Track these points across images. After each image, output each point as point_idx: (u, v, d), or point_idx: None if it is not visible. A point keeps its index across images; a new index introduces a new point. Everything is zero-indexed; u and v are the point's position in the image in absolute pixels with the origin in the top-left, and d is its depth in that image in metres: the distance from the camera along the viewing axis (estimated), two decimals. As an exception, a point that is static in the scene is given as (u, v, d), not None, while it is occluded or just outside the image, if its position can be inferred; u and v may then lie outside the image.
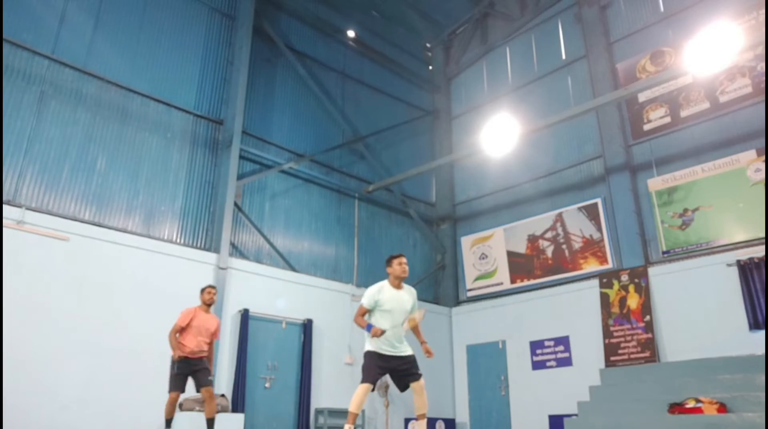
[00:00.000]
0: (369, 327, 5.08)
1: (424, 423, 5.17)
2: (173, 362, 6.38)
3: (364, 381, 5.01)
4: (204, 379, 6.40)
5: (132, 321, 7.96)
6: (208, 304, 6.74)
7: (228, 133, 9.93)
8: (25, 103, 7.92)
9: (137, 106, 9.16)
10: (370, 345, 5.14)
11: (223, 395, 8.31)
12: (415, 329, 5.37)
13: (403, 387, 5.22)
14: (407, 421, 10.77)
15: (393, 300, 5.18)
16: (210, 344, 6.67)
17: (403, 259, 5.33)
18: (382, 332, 4.98)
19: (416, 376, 5.13)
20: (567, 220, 11.31)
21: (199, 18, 10.38)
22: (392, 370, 5.15)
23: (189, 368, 6.38)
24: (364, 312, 5.23)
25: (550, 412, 10.08)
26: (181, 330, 6.45)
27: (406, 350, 5.18)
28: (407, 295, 5.31)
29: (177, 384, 6.33)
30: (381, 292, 5.19)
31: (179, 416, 7.84)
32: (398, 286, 5.26)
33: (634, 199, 10.28)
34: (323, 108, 11.92)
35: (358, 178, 12.17)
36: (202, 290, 6.79)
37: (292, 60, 11.48)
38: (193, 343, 6.41)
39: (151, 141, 9.20)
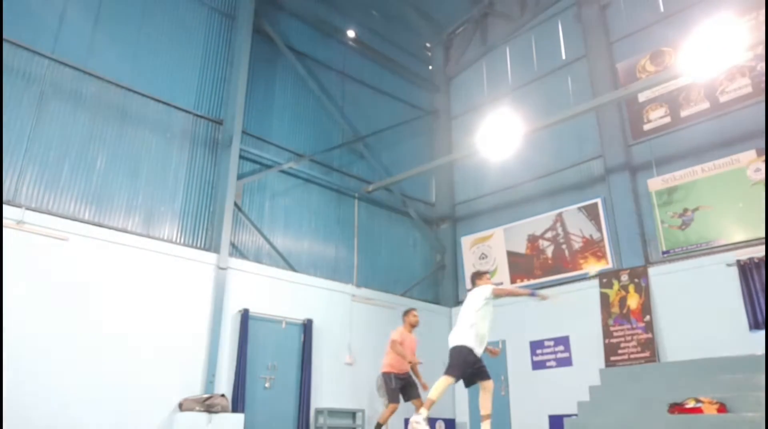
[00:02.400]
0: (534, 293, 6.01)
1: (488, 424, 5.74)
2: (389, 377, 7.39)
3: (452, 375, 5.63)
4: (414, 393, 7.45)
5: (132, 321, 7.96)
6: (414, 326, 7.73)
7: (228, 133, 9.93)
8: (25, 103, 7.92)
9: (137, 106, 9.15)
10: (474, 343, 5.74)
11: (222, 395, 8.31)
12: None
13: (470, 383, 5.96)
14: (407, 420, 10.75)
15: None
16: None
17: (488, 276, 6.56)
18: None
19: (487, 375, 5.86)
20: (567, 220, 11.31)
21: (199, 18, 10.38)
22: (471, 368, 5.82)
23: (400, 382, 7.41)
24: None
25: (550, 412, 10.08)
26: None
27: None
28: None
29: (396, 396, 7.39)
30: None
31: (179, 416, 7.88)
32: None
33: (634, 199, 10.28)
34: (323, 108, 11.92)
35: (357, 178, 12.16)
36: (407, 312, 7.80)
37: (292, 60, 11.48)
38: (403, 365, 7.40)
39: (151, 141, 9.20)
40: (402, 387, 7.43)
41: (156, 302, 8.26)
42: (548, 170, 11.91)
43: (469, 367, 5.73)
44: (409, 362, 7.39)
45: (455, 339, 5.91)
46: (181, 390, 8.14)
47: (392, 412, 7.34)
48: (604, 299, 10.18)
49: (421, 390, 7.56)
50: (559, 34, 12.62)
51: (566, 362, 10.46)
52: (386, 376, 7.44)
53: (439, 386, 5.59)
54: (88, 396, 7.30)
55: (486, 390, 5.91)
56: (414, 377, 7.62)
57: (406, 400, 7.47)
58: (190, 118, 9.79)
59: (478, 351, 5.82)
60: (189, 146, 9.67)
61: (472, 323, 5.86)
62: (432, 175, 13.83)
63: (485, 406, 5.86)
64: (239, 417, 8.28)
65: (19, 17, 8.06)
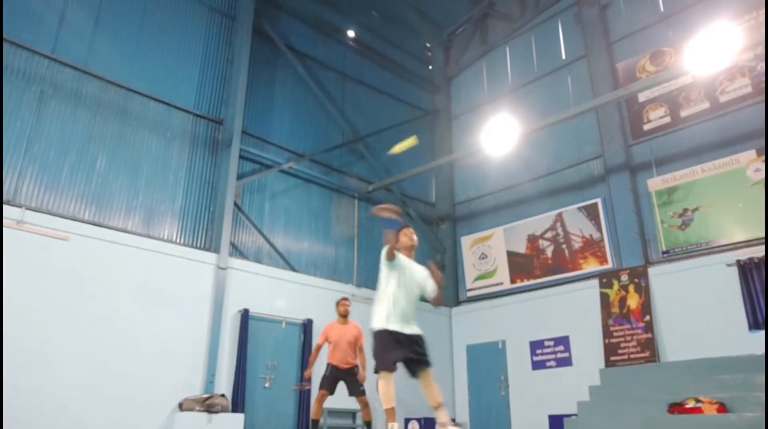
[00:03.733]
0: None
1: (444, 412, 4.62)
2: (327, 366, 6.85)
3: (383, 369, 4.44)
4: (355, 389, 6.78)
5: (132, 321, 7.96)
6: (344, 316, 7.09)
7: (228, 132, 9.93)
8: (25, 103, 7.92)
9: (137, 106, 9.15)
10: (380, 321, 4.60)
11: (222, 395, 8.31)
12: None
13: (413, 372, 4.68)
14: (407, 421, 10.76)
15: (408, 265, 4.90)
16: (358, 351, 6.98)
17: (411, 230, 5.20)
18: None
19: (428, 363, 4.65)
20: (567, 220, 11.31)
21: (199, 18, 10.38)
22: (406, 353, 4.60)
23: (341, 375, 6.79)
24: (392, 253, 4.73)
25: (550, 412, 10.07)
26: (322, 347, 7.00)
27: (417, 330, 4.73)
28: (420, 268, 5.00)
29: (325, 384, 6.73)
30: (398, 255, 4.86)
31: (179, 416, 7.87)
32: (410, 257, 5.04)
33: (634, 199, 10.28)
34: (323, 108, 11.92)
35: (358, 178, 12.16)
36: (337, 303, 7.20)
37: (292, 60, 11.48)
38: (337, 358, 6.83)
39: (151, 141, 9.20)
40: (345, 380, 6.81)
41: (156, 302, 8.25)
42: (548, 170, 11.91)
43: (391, 351, 4.51)
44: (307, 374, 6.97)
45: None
46: (181, 390, 8.14)
47: (319, 402, 6.68)
48: (604, 299, 10.17)
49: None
50: (559, 34, 12.62)
51: (566, 362, 10.46)
52: (328, 364, 6.89)
53: (379, 389, 4.55)
54: (88, 396, 7.30)
55: (427, 378, 4.69)
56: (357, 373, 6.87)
57: (349, 395, 6.92)
58: (190, 118, 9.79)
59: (398, 329, 4.59)
60: (189, 146, 9.67)
61: (377, 298, 4.77)
62: (432, 175, 13.82)
63: (434, 396, 4.64)
64: (239, 417, 8.27)
65: (19, 17, 8.06)
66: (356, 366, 6.89)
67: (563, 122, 10.27)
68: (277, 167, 10.59)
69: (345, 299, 7.24)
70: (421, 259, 5.31)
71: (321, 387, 6.76)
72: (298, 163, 10.92)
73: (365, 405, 6.79)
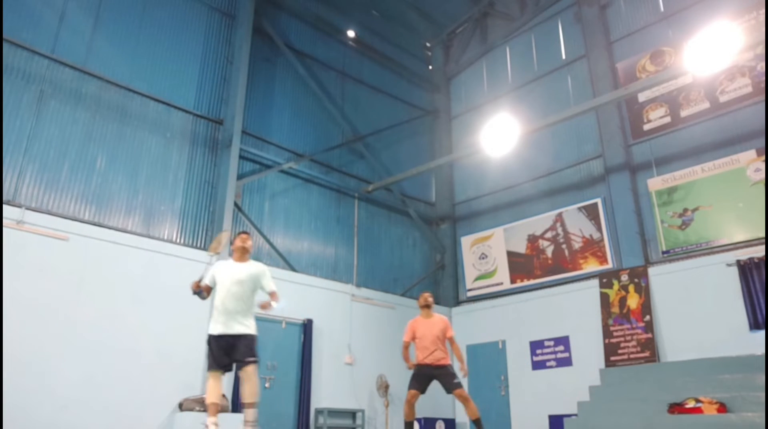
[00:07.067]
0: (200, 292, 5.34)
1: (252, 412, 4.90)
2: (416, 364, 6.64)
3: (208, 369, 5.10)
4: (451, 385, 6.40)
5: (132, 321, 7.95)
6: (427, 307, 6.81)
7: (228, 132, 9.92)
8: (25, 103, 7.91)
9: (137, 105, 9.14)
10: (209, 328, 5.21)
11: (223, 395, 8.30)
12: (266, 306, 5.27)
13: (233, 368, 5.26)
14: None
15: (226, 272, 5.25)
16: (447, 345, 6.71)
17: (244, 236, 5.44)
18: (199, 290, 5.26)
19: (246, 362, 4.97)
20: (567, 220, 11.31)
21: (198, 17, 10.37)
22: (226, 349, 5.01)
23: (431, 372, 6.50)
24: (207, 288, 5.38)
25: (550, 412, 10.07)
26: (408, 344, 6.79)
27: (238, 329, 5.05)
28: (247, 268, 5.30)
29: (415, 383, 6.48)
30: (218, 267, 5.37)
31: (179, 416, 7.86)
32: (239, 259, 5.37)
33: (634, 199, 10.28)
34: (323, 107, 11.91)
35: (357, 177, 12.16)
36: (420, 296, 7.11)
37: (291, 59, 11.47)
38: (421, 355, 6.56)
39: (150, 141, 9.19)
40: (437, 377, 6.45)
41: (156, 302, 8.25)
42: (548, 170, 11.91)
43: (214, 356, 5.03)
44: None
45: None
46: (181, 390, 8.13)
47: (409, 403, 6.40)
48: (604, 299, 10.18)
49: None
50: (559, 34, 12.62)
51: (566, 362, 10.46)
52: (416, 364, 6.59)
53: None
54: (87, 396, 7.29)
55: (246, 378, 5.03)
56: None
57: (447, 392, 6.52)
58: (190, 118, 9.78)
59: (215, 329, 5.08)
60: (189, 146, 9.67)
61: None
62: (432, 175, 13.83)
63: (248, 393, 4.98)
64: (239, 417, 8.25)
65: (19, 17, 8.05)
66: (447, 362, 6.59)
67: (563, 122, 10.27)
68: (277, 167, 10.58)
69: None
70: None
71: (410, 387, 6.52)
72: (298, 163, 10.92)
73: (466, 400, 6.39)
